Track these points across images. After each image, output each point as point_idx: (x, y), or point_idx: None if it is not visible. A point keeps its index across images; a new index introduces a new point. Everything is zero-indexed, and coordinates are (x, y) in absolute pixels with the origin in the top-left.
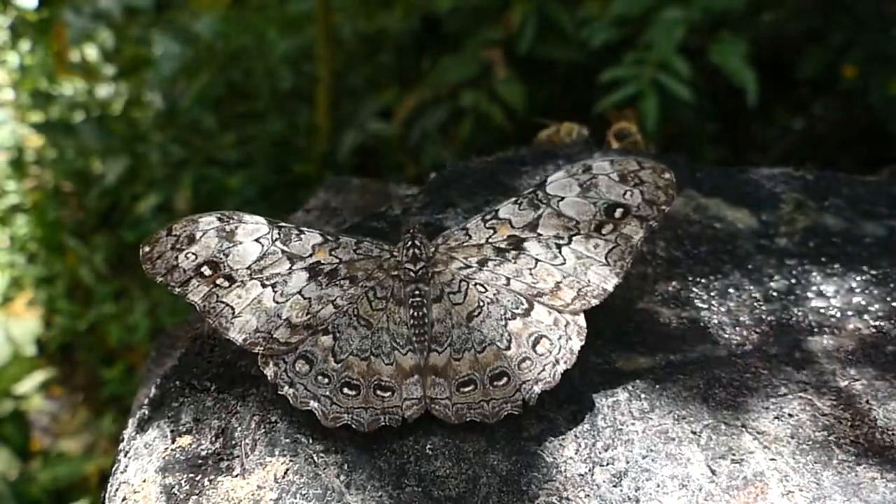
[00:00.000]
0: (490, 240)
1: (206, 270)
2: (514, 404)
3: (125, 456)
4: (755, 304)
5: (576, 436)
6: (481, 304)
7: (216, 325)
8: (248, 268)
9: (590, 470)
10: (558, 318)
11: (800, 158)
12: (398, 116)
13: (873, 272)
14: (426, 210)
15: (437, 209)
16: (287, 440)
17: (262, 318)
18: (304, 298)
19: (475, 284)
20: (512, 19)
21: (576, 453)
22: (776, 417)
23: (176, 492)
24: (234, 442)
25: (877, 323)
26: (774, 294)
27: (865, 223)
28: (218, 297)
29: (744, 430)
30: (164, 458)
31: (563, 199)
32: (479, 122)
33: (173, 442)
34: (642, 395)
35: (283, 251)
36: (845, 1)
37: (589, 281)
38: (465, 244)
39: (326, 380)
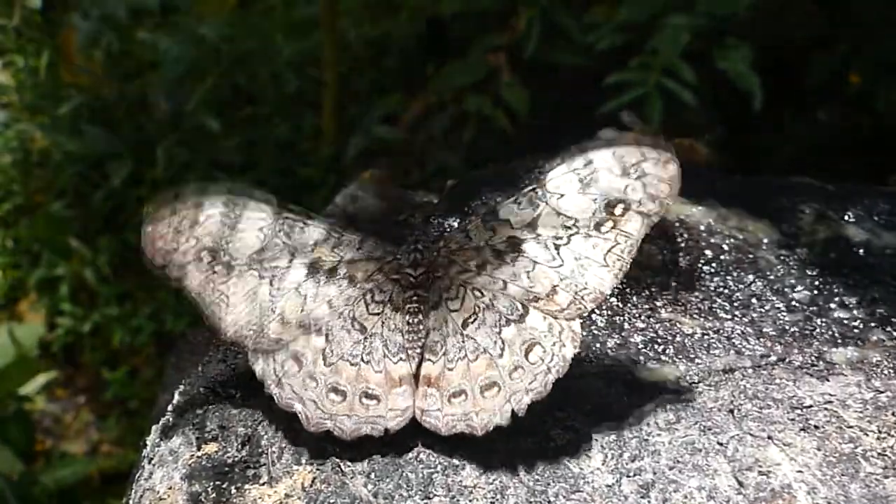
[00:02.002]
0: (490, 242)
1: (206, 256)
2: (504, 415)
3: (149, 462)
4: (778, 314)
5: (602, 447)
6: (477, 309)
7: (209, 314)
8: (248, 258)
9: (617, 481)
10: (553, 324)
11: (806, 165)
12: (403, 121)
13: (895, 283)
14: (449, 217)
15: (459, 217)
16: (314, 448)
17: (256, 312)
18: (300, 295)
19: (472, 289)
20: (517, 24)
21: (603, 464)
22: (802, 429)
23: (203, 499)
24: (260, 450)
25: None
26: (797, 305)
27: (887, 234)
28: (214, 285)
29: (770, 441)
30: (189, 465)
31: (562, 195)
32: (483, 126)
33: (199, 449)
34: (668, 406)
35: (284, 244)
36: (852, 7)
37: (586, 284)
38: (465, 247)
39: (314, 383)
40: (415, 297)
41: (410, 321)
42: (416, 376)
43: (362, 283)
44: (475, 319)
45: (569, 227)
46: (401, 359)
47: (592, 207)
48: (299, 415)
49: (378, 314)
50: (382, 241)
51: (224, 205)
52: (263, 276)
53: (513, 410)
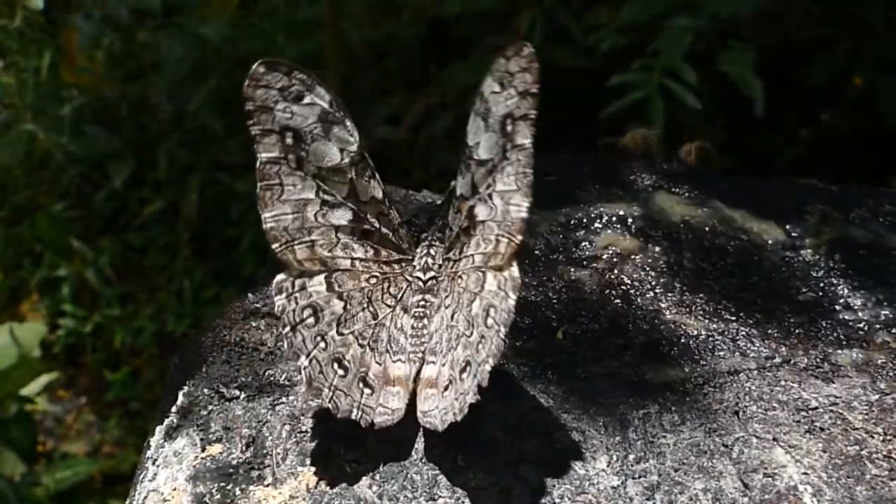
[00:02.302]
0: (460, 223)
1: (290, 138)
2: (473, 392)
3: (153, 464)
4: (783, 316)
5: (607, 448)
6: (459, 296)
7: (261, 192)
8: (319, 168)
9: (622, 482)
10: (499, 279)
11: (809, 167)
12: (406, 122)
13: None
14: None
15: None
16: (318, 450)
17: (297, 223)
18: (335, 237)
19: (457, 277)
20: (520, 25)
21: (608, 465)
22: (808, 431)
23: (207, 501)
24: (264, 451)
25: None
26: (802, 306)
27: (892, 235)
28: (280, 168)
29: (776, 443)
30: (194, 466)
31: (477, 143)
32: None
33: (203, 450)
34: (673, 408)
35: (351, 179)
36: (854, 9)
37: (512, 219)
38: (450, 238)
39: (324, 344)
40: (422, 303)
41: (415, 325)
42: (415, 380)
43: (384, 265)
44: (458, 306)
45: (490, 171)
46: (400, 360)
47: (494, 138)
48: (302, 370)
49: (391, 307)
50: (412, 235)
51: (329, 104)
52: (319, 195)
53: (479, 384)
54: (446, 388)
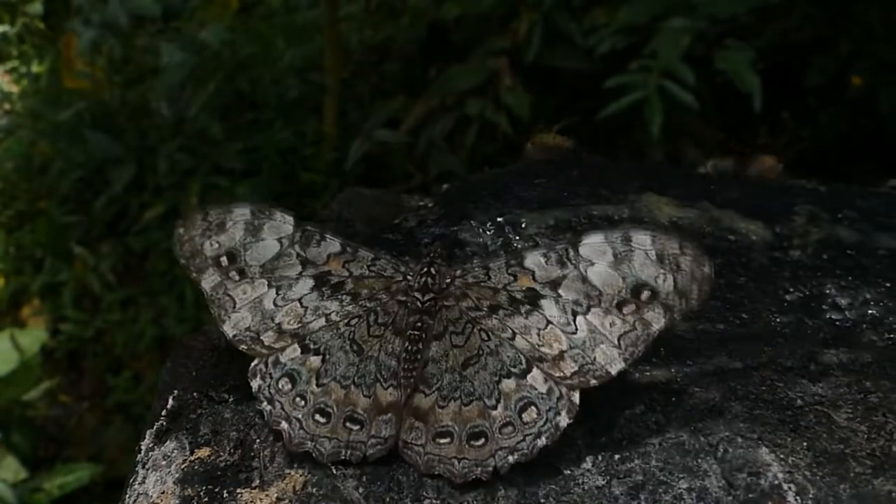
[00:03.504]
0: (508, 287)
1: (224, 261)
2: (485, 469)
3: (143, 467)
4: (770, 316)
5: (593, 448)
6: (481, 352)
7: (216, 314)
8: (262, 266)
9: (607, 483)
10: (553, 389)
11: (807, 167)
12: (405, 125)
13: (888, 284)
14: (441, 222)
15: (452, 221)
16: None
17: (257, 318)
18: (302, 307)
19: (480, 330)
20: (519, 28)
21: (593, 466)
22: (792, 430)
23: (195, 503)
24: (252, 454)
25: (892, 335)
26: (789, 306)
27: (879, 235)
28: (226, 288)
29: (760, 442)
30: (182, 469)
31: (593, 264)
32: (484, 130)
33: (192, 454)
34: (658, 408)
35: (298, 255)
36: (853, 9)
37: (595, 359)
38: (482, 284)
39: (303, 402)
40: (418, 324)
41: (409, 348)
42: (404, 405)
43: (366, 301)
44: (477, 362)
45: (591, 298)
46: (392, 385)
47: (620, 285)
48: (283, 433)
49: (378, 336)
50: (398, 259)
51: (252, 213)
52: (272, 285)
53: (495, 467)
54: (441, 436)
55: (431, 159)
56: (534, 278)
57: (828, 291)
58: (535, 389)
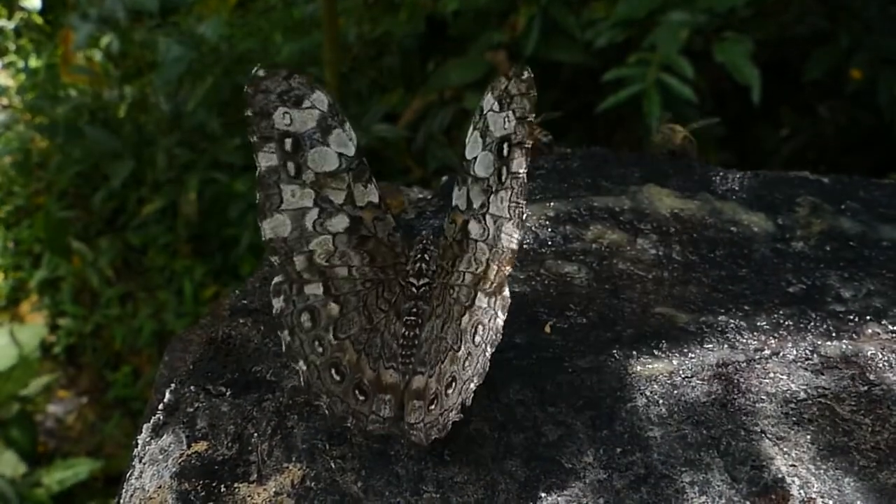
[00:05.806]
0: (454, 235)
1: (289, 145)
2: (457, 410)
3: (139, 461)
4: (772, 308)
5: (594, 441)
6: (450, 308)
7: (260, 202)
8: (317, 175)
9: (609, 476)
10: (489, 295)
11: (807, 160)
12: (403, 119)
13: (891, 276)
14: (440, 214)
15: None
16: (304, 446)
17: (296, 233)
18: (333, 245)
19: (449, 288)
20: (517, 22)
21: (594, 459)
22: (796, 423)
23: (192, 498)
24: (250, 448)
25: (895, 327)
26: (792, 298)
27: (882, 227)
28: (279, 177)
29: (763, 435)
30: (179, 463)
31: (475, 158)
32: None
33: (189, 447)
34: (660, 401)
35: (349, 185)
36: (852, 3)
37: (503, 248)
38: (444, 246)
39: (321, 349)
40: (414, 310)
41: (406, 334)
42: (404, 390)
43: (379, 270)
44: (448, 319)
45: (485, 191)
46: (392, 367)
47: (490, 158)
48: (300, 373)
49: (384, 312)
50: (406, 240)
51: (329, 106)
52: (317, 203)
53: (463, 403)
54: (432, 403)
55: (430, 153)
56: (460, 211)
57: (831, 283)
58: (480, 308)
